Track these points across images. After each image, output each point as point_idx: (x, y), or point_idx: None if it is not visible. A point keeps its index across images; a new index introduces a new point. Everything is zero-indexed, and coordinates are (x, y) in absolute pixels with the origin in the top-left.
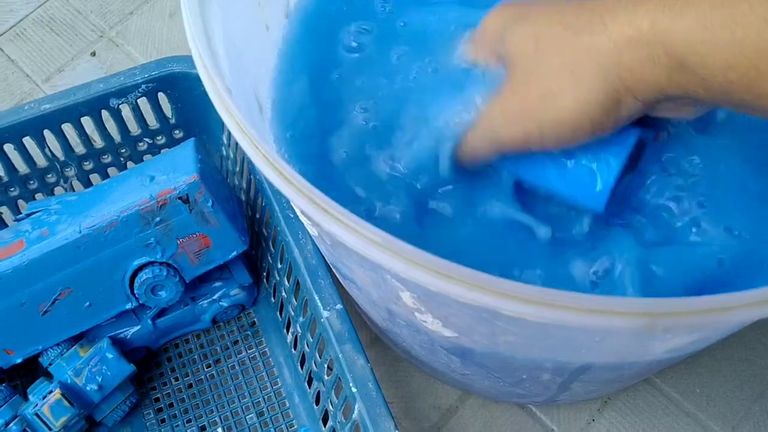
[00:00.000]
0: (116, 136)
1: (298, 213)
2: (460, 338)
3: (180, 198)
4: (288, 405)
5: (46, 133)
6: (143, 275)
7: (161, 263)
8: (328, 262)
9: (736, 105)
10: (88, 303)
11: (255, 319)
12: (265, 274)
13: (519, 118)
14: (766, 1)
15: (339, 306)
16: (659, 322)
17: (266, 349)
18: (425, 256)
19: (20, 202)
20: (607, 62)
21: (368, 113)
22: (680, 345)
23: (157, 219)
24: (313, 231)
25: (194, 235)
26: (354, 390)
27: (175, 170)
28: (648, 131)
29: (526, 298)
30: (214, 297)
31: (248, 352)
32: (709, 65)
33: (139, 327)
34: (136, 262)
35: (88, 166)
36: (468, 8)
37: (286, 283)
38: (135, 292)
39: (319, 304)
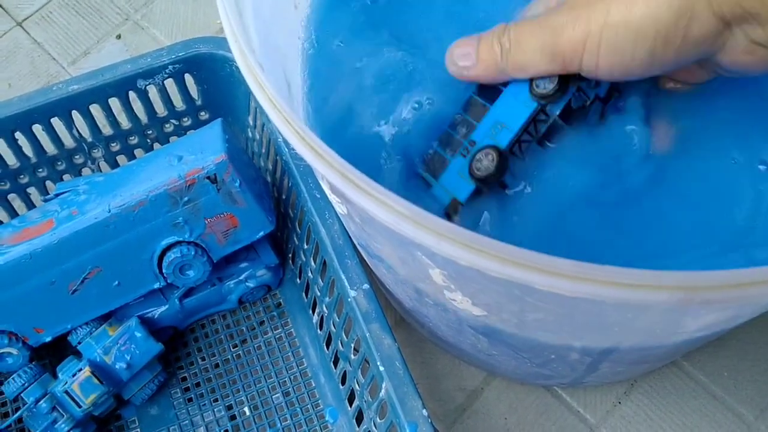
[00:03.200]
0: (143, 118)
1: (327, 191)
2: (489, 317)
3: (208, 178)
4: (314, 385)
5: (74, 114)
6: (171, 254)
7: (189, 243)
8: (356, 242)
9: None
10: (116, 282)
11: (281, 300)
12: (290, 255)
13: (578, 25)
14: None
15: (366, 285)
16: (696, 296)
17: (292, 330)
18: (457, 229)
19: (48, 183)
20: None
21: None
22: (714, 321)
23: (186, 199)
24: (341, 209)
25: (222, 215)
26: (381, 369)
27: (203, 150)
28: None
29: (559, 272)
30: (241, 277)
31: (274, 332)
32: None
33: (166, 307)
34: (165, 242)
35: (115, 147)
36: None
37: (313, 263)
38: (163, 271)
39: (346, 283)
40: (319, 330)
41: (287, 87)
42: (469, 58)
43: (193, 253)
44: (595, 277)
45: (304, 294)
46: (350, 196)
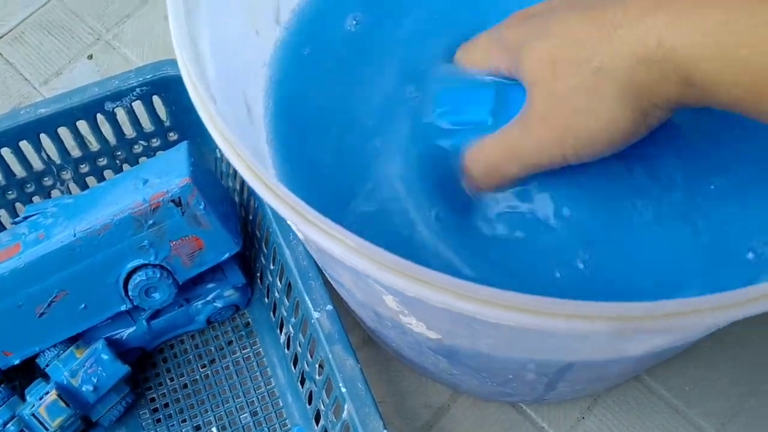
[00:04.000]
0: (111, 139)
1: None
2: (444, 340)
3: (173, 201)
4: (281, 404)
5: (43, 137)
6: (137, 277)
7: (154, 265)
8: (318, 263)
9: (748, 115)
10: (83, 305)
11: (249, 320)
12: (258, 274)
13: (555, 143)
14: None
15: (329, 307)
16: (629, 326)
17: (260, 350)
18: (399, 260)
19: (18, 205)
20: (624, 81)
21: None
22: (661, 343)
23: (150, 222)
24: (299, 234)
25: (187, 238)
26: (344, 390)
27: (168, 173)
28: None
29: (497, 302)
30: (208, 298)
31: (242, 352)
32: (715, 83)
33: (134, 328)
34: (130, 265)
35: (84, 168)
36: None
37: (279, 284)
38: (129, 294)
39: (310, 305)
40: (286, 349)
41: (247, 112)
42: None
43: (158, 275)
44: (531, 307)
45: (272, 313)
46: (295, 223)
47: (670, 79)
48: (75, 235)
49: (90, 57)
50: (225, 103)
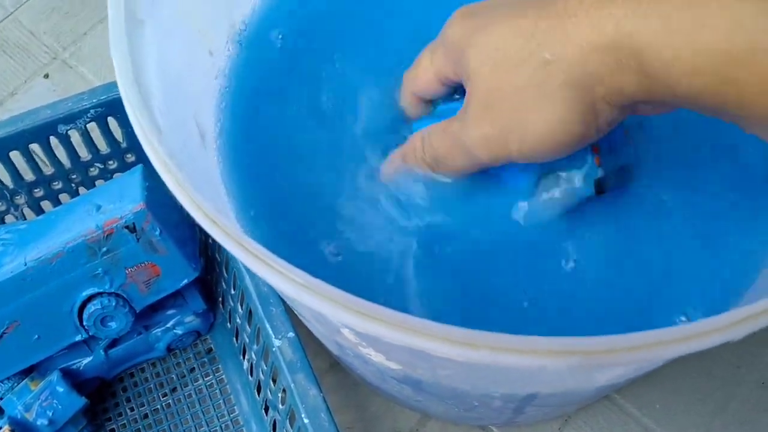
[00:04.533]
0: (66, 162)
1: None
2: (405, 370)
3: (127, 227)
4: None
5: None
6: (91, 307)
7: (110, 294)
8: None
9: (704, 110)
10: (36, 336)
11: (212, 346)
12: (220, 299)
13: (496, 140)
14: (738, 1)
15: (291, 334)
16: (590, 361)
17: (223, 377)
18: (348, 297)
19: None
20: (575, 72)
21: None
22: (623, 373)
23: (104, 249)
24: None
25: (143, 264)
26: (306, 421)
27: (121, 199)
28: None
29: (450, 338)
30: (168, 325)
31: (205, 379)
32: (674, 71)
33: (91, 358)
34: (84, 294)
35: (38, 193)
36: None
37: (240, 309)
38: (84, 323)
39: (271, 332)
40: (250, 376)
41: (199, 134)
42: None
43: (114, 304)
44: (483, 343)
45: (234, 339)
46: (243, 260)
47: (627, 69)
48: (26, 264)
49: (46, 76)
50: (173, 129)
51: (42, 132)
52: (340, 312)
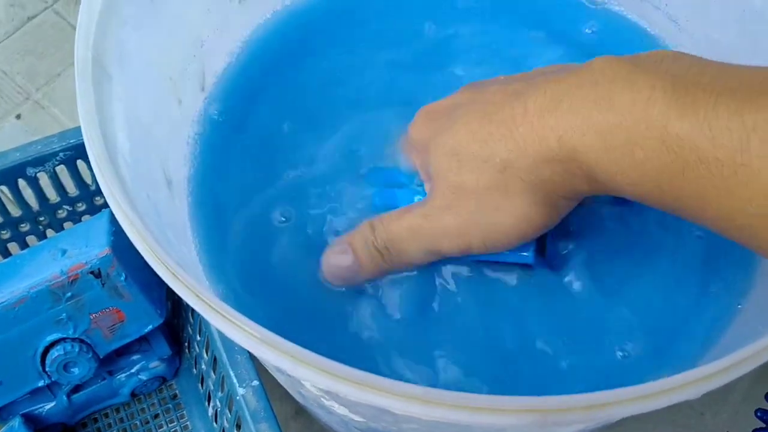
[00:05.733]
0: (34, 205)
1: None
2: (369, 423)
3: (92, 272)
4: None
5: None
6: (54, 352)
7: (73, 339)
8: None
9: (658, 208)
10: None
11: (177, 391)
12: (186, 344)
13: (458, 233)
14: (662, 123)
15: (255, 382)
16: (548, 419)
17: (188, 423)
18: (306, 353)
19: None
20: (530, 178)
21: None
22: (581, 429)
23: (69, 294)
24: None
25: (107, 310)
26: None
27: (87, 243)
28: None
29: (411, 396)
30: (133, 370)
31: (169, 426)
32: (618, 182)
33: (54, 403)
34: (48, 339)
35: (5, 235)
36: None
37: (205, 356)
38: (47, 369)
39: (235, 380)
40: (214, 423)
41: (167, 184)
42: (351, 269)
43: (77, 350)
44: (443, 401)
45: (200, 385)
46: (207, 318)
47: (576, 176)
48: None
49: (18, 117)
50: (139, 177)
51: (10, 174)
52: (299, 368)
